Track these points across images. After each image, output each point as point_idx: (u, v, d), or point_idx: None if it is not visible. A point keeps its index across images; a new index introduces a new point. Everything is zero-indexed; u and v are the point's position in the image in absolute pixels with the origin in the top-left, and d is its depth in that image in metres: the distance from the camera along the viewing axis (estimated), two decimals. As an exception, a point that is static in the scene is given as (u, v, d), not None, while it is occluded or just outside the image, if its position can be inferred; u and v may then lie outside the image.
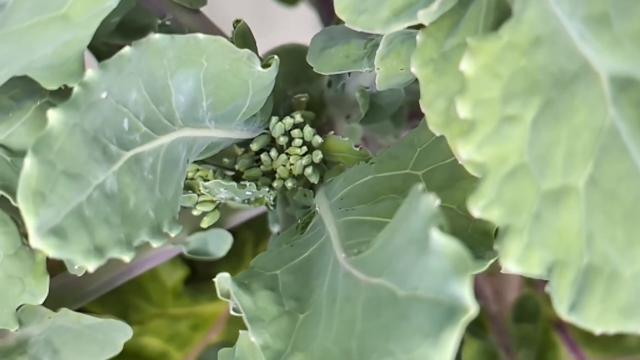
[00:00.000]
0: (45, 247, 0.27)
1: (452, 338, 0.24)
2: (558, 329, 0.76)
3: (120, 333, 0.45)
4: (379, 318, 0.27)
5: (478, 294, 0.70)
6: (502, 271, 0.30)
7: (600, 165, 0.27)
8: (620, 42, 0.24)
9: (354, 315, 0.28)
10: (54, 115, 0.28)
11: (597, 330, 0.28)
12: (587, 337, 0.77)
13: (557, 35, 0.27)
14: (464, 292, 0.24)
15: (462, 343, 0.52)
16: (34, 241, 0.27)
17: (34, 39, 0.29)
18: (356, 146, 0.43)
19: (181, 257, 0.71)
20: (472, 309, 0.24)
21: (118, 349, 0.46)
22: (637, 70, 0.24)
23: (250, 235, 0.73)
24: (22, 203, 0.27)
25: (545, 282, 0.29)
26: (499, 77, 0.29)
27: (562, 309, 0.28)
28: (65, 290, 0.45)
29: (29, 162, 0.28)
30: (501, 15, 0.31)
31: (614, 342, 0.72)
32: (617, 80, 0.25)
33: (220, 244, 0.50)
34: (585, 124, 0.27)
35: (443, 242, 0.25)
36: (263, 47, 0.49)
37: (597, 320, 0.27)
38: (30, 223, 0.27)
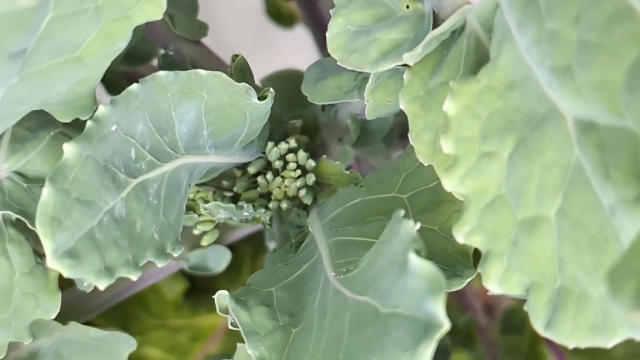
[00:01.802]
0: (61, 268, 0.30)
1: (428, 351, 0.27)
2: (545, 340, 0.78)
3: (125, 345, 0.48)
4: (363, 333, 0.30)
5: (468, 307, 0.73)
6: (488, 293, 0.33)
7: (568, 197, 0.29)
8: (581, 91, 0.27)
9: (342, 329, 0.31)
10: (69, 148, 0.31)
11: (570, 345, 0.30)
12: (574, 348, 0.80)
13: (528, 80, 0.30)
14: (439, 310, 0.27)
15: (449, 354, 0.54)
16: (51, 263, 0.30)
17: (51, 78, 0.32)
18: (347, 169, 0.45)
19: (181, 271, 0.74)
20: (446, 325, 0.27)
21: (123, 360, 0.49)
22: (596, 116, 0.27)
23: (248, 249, 0.75)
24: (40, 228, 0.30)
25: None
26: (478, 117, 0.32)
27: (538, 326, 0.31)
28: (73, 304, 0.48)
29: (46, 191, 0.30)
30: (479, 57, 0.34)
31: (601, 352, 0.74)
32: (581, 123, 0.28)
33: (219, 259, 0.53)
34: (554, 161, 0.30)
35: (420, 265, 0.27)
36: (262, 65, 0.52)
37: (569, 336, 0.30)
38: (48, 246, 0.30)
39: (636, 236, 0.23)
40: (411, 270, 0.28)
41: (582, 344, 0.29)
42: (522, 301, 0.33)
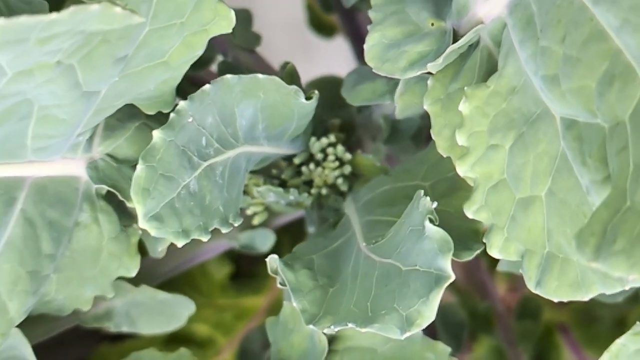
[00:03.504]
0: (149, 228, 0.38)
1: (438, 297, 0.34)
2: (561, 331, 0.84)
3: (185, 308, 0.56)
4: (388, 286, 0.37)
5: (487, 295, 0.79)
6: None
7: (556, 181, 0.36)
8: (565, 95, 0.34)
9: (370, 285, 0.39)
10: (156, 134, 0.39)
11: (555, 299, 0.37)
12: (589, 339, 0.85)
13: (526, 86, 0.37)
14: (447, 266, 0.34)
15: (464, 329, 0.61)
16: (142, 223, 0.38)
17: (143, 78, 0.40)
18: (379, 162, 0.53)
19: (228, 255, 0.82)
20: (452, 277, 0.34)
21: (182, 321, 0.57)
22: (577, 115, 0.34)
23: (287, 238, 0.83)
24: (134, 196, 0.38)
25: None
26: (487, 115, 0.39)
27: (530, 285, 0.38)
28: (141, 272, 0.56)
29: (139, 167, 0.38)
30: (490, 67, 0.41)
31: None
32: (566, 121, 0.35)
33: (265, 241, 0.60)
34: (545, 151, 0.37)
35: (434, 230, 0.35)
36: (306, 71, 0.59)
37: (555, 292, 0.37)
38: (139, 210, 0.38)
39: (598, 206, 0.30)
40: (427, 234, 0.35)
41: (565, 299, 0.36)
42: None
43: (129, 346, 0.73)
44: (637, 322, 0.37)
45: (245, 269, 0.84)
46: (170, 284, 0.63)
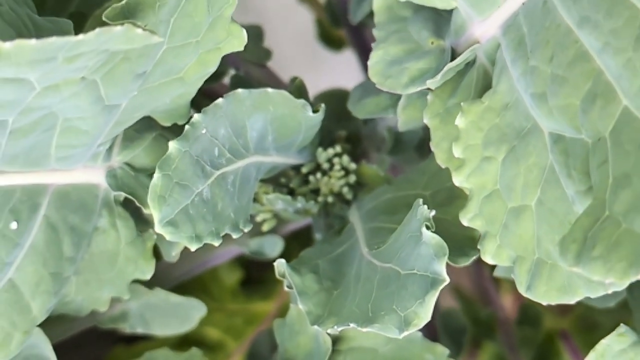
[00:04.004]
0: (165, 233, 0.41)
1: (433, 299, 0.37)
2: (562, 338, 0.86)
3: (197, 310, 0.58)
4: (387, 289, 0.39)
5: (490, 302, 0.82)
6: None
7: (544, 191, 0.39)
8: (552, 112, 0.37)
9: (371, 288, 0.41)
10: (172, 145, 0.42)
11: (544, 302, 0.39)
12: (590, 346, 0.87)
13: (518, 103, 0.40)
14: (442, 270, 0.37)
15: (465, 334, 0.63)
16: (157, 228, 0.41)
17: (160, 93, 0.42)
18: (382, 172, 0.55)
19: (238, 261, 0.84)
20: (447, 280, 0.36)
21: (194, 323, 0.59)
22: (563, 131, 0.37)
23: (296, 245, 0.85)
24: (150, 203, 0.41)
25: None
26: (481, 130, 0.42)
27: (521, 289, 0.40)
28: (155, 275, 0.58)
29: (156, 176, 0.41)
30: (486, 84, 0.44)
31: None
32: (553, 135, 0.38)
33: (273, 247, 0.63)
34: (535, 163, 0.39)
35: (430, 236, 0.37)
36: (314, 83, 0.62)
37: (543, 296, 0.39)
38: (156, 216, 0.41)
39: (580, 215, 0.33)
40: (424, 240, 0.38)
41: (553, 302, 0.39)
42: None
43: (142, 348, 0.76)
44: (621, 324, 0.39)
45: (255, 275, 0.86)
46: (183, 289, 0.66)
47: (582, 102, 0.35)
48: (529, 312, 0.76)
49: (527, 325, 0.75)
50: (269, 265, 0.63)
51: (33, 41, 0.31)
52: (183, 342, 0.80)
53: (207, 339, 0.83)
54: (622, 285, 0.34)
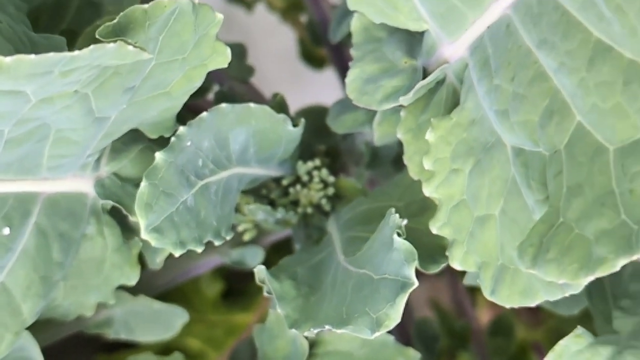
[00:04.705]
0: (150, 239, 0.43)
1: (403, 301, 0.39)
2: (535, 350, 0.89)
3: (179, 318, 0.60)
4: (361, 292, 0.42)
5: (464, 313, 0.84)
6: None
7: (507, 201, 0.41)
8: (514, 127, 0.40)
9: (346, 292, 0.43)
10: (159, 155, 0.44)
11: (507, 306, 0.42)
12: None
13: (483, 119, 0.43)
14: (412, 274, 0.39)
15: (438, 341, 0.66)
16: (144, 234, 0.43)
17: (148, 106, 0.45)
18: (359, 185, 0.58)
19: (219, 273, 0.86)
20: (416, 283, 0.39)
21: (176, 330, 0.61)
22: (523, 144, 0.39)
23: (276, 257, 0.87)
24: (137, 210, 0.43)
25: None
26: (450, 144, 0.44)
27: (486, 293, 0.42)
28: (139, 284, 0.60)
29: (142, 184, 0.43)
30: (455, 101, 0.47)
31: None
32: (515, 149, 0.40)
33: (255, 257, 0.65)
34: (498, 175, 0.42)
35: (401, 242, 0.40)
36: (296, 100, 0.64)
37: (507, 299, 0.42)
38: (142, 222, 0.43)
39: (537, 221, 0.35)
40: (395, 247, 0.40)
41: (515, 305, 0.41)
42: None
43: (124, 356, 0.77)
44: (578, 327, 0.42)
45: (236, 287, 0.88)
46: (165, 300, 0.68)
47: (540, 118, 0.38)
48: (501, 323, 0.78)
49: (499, 336, 0.78)
50: (249, 277, 0.65)
51: (32, 56, 0.33)
52: (164, 352, 0.82)
53: (188, 349, 0.84)
54: (575, 286, 0.37)
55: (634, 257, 0.32)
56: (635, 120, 0.34)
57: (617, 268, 0.32)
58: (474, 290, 0.85)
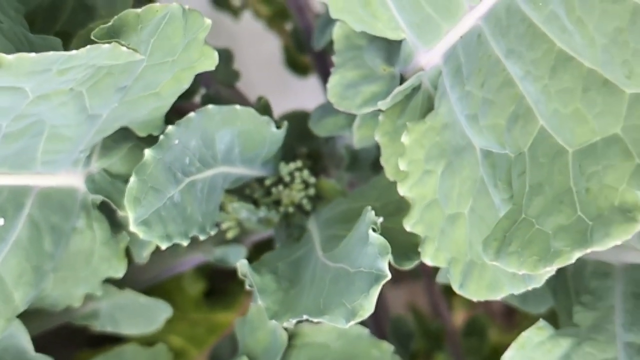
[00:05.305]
0: (139, 231, 0.45)
1: (376, 293, 0.41)
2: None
3: (163, 312, 0.62)
4: (338, 285, 0.44)
5: (439, 315, 0.87)
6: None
7: (476, 200, 0.44)
8: (482, 131, 0.42)
9: (324, 285, 0.46)
10: (148, 152, 0.46)
11: (475, 299, 0.44)
12: None
13: (455, 123, 0.45)
14: (385, 267, 0.42)
15: (412, 339, 0.68)
16: (132, 227, 0.45)
17: (138, 105, 0.47)
18: (339, 186, 0.61)
19: (202, 272, 0.88)
20: (389, 276, 0.41)
21: (159, 324, 0.63)
22: (491, 147, 0.42)
23: (258, 257, 0.90)
24: (126, 204, 0.45)
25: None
26: (423, 146, 0.47)
27: (455, 287, 0.45)
28: (125, 278, 0.62)
29: (132, 179, 0.45)
30: (429, 106, 0.49)
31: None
32: (484, 151, 0.43)
33: (237, 256, 0.67)
34: (468, 176, 0.44)
35: (375, 237, 0.42)
36: (281, 105, 0.67)
37: (474, 293, 0.44)
38: (131, 216, 0.45)
39: (501, 217, 0.38)
40: (370, 241, 0.43)
41: (483, 298, 0.44)
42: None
43: (107, 350, 0.79)
44: (540, 319, 0.45)
45: (218, 286, 0.90)
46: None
47: (507, 122, 0.40)
48: (475, 324, 0.81)
49: (473, 337, 0.81)
50: (231, 276, 0.68)
51: (32, 54, 0.36)
52: (147, 348, 0.84)
53: (170, 347, 0.86)
54: (537, 278, 0.39)
55: (589, 250, 0.34)
56: (593, 125, 0.37)
57: (573, 260, 0.35)
58: (450, 294, 0.88)
